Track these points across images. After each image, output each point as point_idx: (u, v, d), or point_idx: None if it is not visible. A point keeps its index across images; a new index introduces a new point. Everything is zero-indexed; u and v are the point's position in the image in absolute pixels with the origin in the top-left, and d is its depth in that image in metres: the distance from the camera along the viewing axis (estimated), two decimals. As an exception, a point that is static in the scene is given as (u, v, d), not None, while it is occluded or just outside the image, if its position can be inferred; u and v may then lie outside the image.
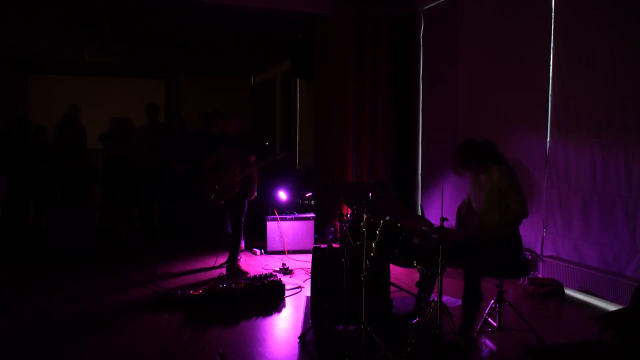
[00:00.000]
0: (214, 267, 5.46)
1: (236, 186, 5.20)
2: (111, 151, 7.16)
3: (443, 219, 3.02)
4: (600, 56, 4.34)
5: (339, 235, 3.76)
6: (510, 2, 5.25)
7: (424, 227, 3.48)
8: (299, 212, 6.42)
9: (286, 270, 5.32)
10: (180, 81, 12.38)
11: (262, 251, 6.23)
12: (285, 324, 3.95)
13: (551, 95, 4.78)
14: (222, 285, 4.37)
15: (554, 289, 4.52)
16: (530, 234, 4.98)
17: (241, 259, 5.54)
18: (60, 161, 6.76)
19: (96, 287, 4.89)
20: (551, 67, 4.75)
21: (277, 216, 6.19)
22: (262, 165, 5.43)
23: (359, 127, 6.70)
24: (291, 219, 6.25)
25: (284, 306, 4.34)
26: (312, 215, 6.36)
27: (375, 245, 3.41)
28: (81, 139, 7.32)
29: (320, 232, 6.68)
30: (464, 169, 3.64)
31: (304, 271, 5.40)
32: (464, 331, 3.35)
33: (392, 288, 4.05)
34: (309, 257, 4.46)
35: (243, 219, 5.40)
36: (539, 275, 4.89)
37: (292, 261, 5.82)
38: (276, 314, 4.17)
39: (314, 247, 4.19)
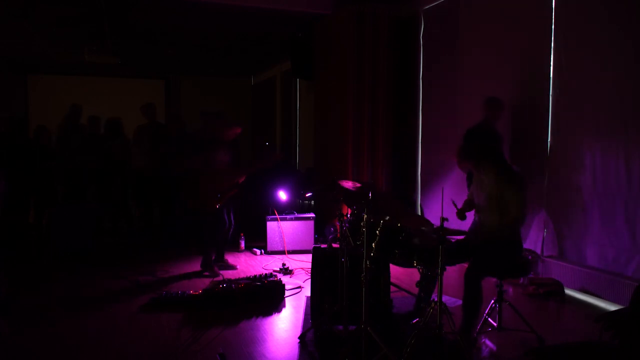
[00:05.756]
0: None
1: (236, 188, 5.23)
2: (107, 151, 7.15)
3: (443, 219, 3.02)
4: (602, 56, 4.34)
5: (339, 235, 3.74)
6: (510, 1, 5.25)
7: (424, 227, 3.48)
8: (299, 212, 6.42)
9: (286, 270, 5.31)
10: (180, 81, 12.38)
11: (262, 251, 6.23)
12: (285, 324, 3.95)
13: (551, 95, 4.78)
14: (222, 285, 4.37)
15: (554, 289, 4.52)
16: (530, 234, 4.98)
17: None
18: (66, 162, 6.79)
19: (96, 287, 4.90)
20: (552, 66, 4.75)
21: (277, 216, 6.19)
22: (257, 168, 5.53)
23: (358, 127, 6.70)
24: (291, 219, 6.25)
25: (284, 306, 4.34)
26: (312, 215, 6.36)
27: (375, 245, 3.41)
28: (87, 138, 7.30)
29: (320, 232, 6.68)
30: (465, 165, 3.65)
31: (304, 271, 5.39)
32: (464, 332, 3.35)
33: (392, 288, 4.05)
34: (309, 257, 4.45)
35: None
36: (539, 275, 4.88)
37: (292, 261, 5.82)
38: (276, 314, 4.17)
39: (314, 247, 4.19)
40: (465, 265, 3.53)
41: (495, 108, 4.98)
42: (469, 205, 3.79)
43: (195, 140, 6.39)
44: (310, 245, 6.09)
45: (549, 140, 4.84)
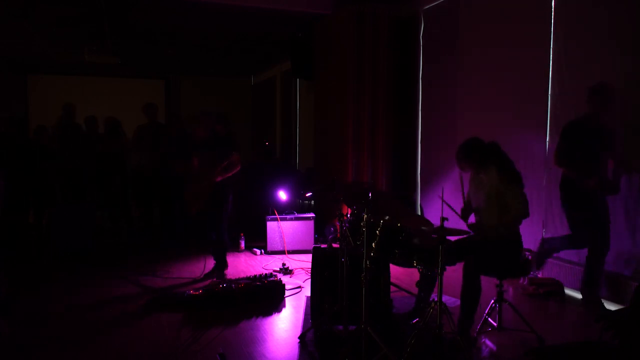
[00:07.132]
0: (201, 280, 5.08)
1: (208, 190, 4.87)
2: (106, 151, 7.13)
3: (443, 219, 3.02)
4: (601, 56, 4.34)
5: (339, 235, 3.75)
6: (510, 1, 5.25)
7: (424, 227, 3.47)
8: (299, 212, 6.42)
9: (286, 270, 5.31)
10: (180, 81, 12.38)
11: (262, 251, 6.23)
12: (285, 324, 3.95)
13: (551, 95, 4.78)
14: (222, 285, 4.37)
15: (554, 289, 4.52)
16: (530, 234, 4.97)
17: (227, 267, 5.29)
18: (65, 162, 6.78)
19: (96, 287, 4.90)
20: (551, 67, 4.75)
21: (277, 216, 6.19)
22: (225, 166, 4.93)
23: (358, 127, 6.70)
24: (291, 219, 6.25)
25: (284, 306, 4.34)
26: (312, 215, 6.36)
27: (375, 245, 3.41)
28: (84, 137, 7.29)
29: (320, 232, 6.68)
30: (465, 166, 3.65)
31: (304, 271, 5.39)
32: (462, 327, 3.35)
33: (392, 288, 4.04)
34: (309, 257, 4.46)
35: (225, 224, 5.11)
36: (539, 275, 4.88)
37: (292, 261, 5.82)
38: (276, 314, 4.17)
39: (314, 247, 4.19)
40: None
41: (602, 98, 4.14)
42: (468, 207, 3.79)
43: (184, 142, 6.32)
44: (310, 245, 6.10)
45: (548, 140, 4.84)
